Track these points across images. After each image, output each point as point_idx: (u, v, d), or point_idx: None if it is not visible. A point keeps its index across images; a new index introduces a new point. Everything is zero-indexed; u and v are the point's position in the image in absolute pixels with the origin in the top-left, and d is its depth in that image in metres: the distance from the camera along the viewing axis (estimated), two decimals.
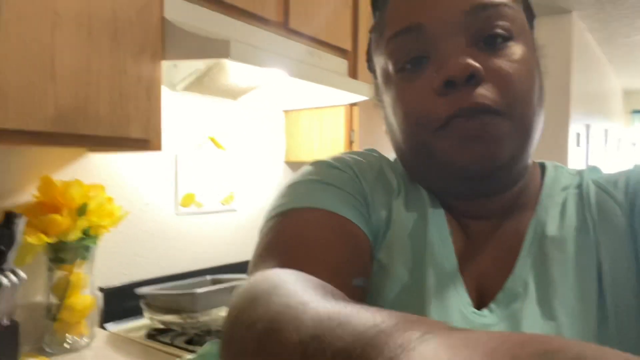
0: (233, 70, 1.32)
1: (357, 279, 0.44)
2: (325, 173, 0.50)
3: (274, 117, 1.89)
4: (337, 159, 0.53)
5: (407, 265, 0.47)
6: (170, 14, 1.13)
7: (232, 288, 1.30)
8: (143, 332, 1.28)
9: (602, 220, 0.46)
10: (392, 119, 0.49)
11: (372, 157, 0.55)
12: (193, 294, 1.21)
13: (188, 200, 1.58)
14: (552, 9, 3.44)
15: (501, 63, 0.43)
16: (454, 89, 0.42)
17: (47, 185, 1.10)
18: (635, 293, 0.42)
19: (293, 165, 1.96)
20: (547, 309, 0.43)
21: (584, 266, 0.44)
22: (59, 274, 1.13)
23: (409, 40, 0.45)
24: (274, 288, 0.31)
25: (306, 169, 0.52)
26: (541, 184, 0.51)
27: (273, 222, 0.47)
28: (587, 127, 4.28)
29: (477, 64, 0.42)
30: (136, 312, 1.33)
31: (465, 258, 0.48)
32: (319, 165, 0.52)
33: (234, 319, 0.31)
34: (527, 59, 0.45)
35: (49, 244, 1.08)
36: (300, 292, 0.29)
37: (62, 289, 1.12)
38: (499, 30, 0.44)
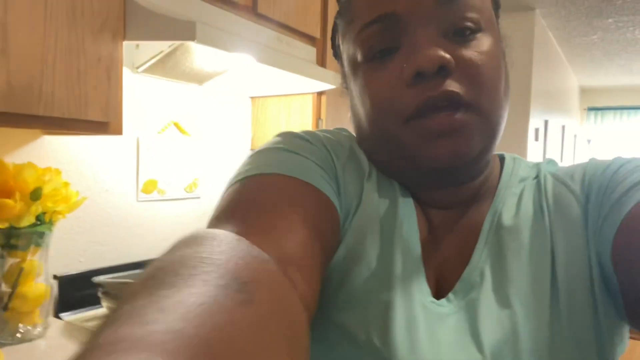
0: (199, 54, 1.28)
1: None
2: (293, 143, 0.48)
3: (241, 104, 1.86)
4: (308, 133, 0.51)
5: (375, 250, 0.46)
6: None
7: None
8: (100, 322, 1.24)
9: (557, 211, 0.47)
10: (359, 108, 0.48)
11: (343, 136, 0.54)
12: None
13: (150, 187, 1.53)
14: (516, 6, 3.52)
15: (471, 54, 0.43)
16: (424, 80, 0.42)
17: None
18: (586, 280, 0.44)
19: None
20: (502, 297, 0.44)
21: (537, 254, 0.45)
22: (11, 261, 1.08)
23: (381, 29, 0.44)
24: (188, 258, 0.27)
25: (273, 139, 0.51)
26: (500, 175, 0.52)
27: (234, 187, 0.44)
28: (546, 122, 4.43)
29: (447, 56, 0.41)
30: (93, 301, 1.29)
31: (427, 248, 0.48)
32: (287, 135, 0.50)
33: (165, 251, 0.29)
34: (495, 51, 0.45)
35: (0, 229, 1.03)
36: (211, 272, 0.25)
37: (14, 277, 1.07)
38: (468, 23, 0.44)
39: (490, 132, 0.45)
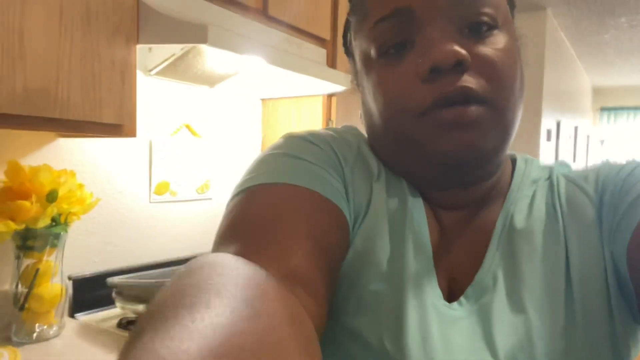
0: (210, 56, 1.30)
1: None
2: (298, 147, 0.47)
3: (251, 105, 1.87)
4: (314, 134, 0.50)
5: (385, 253, 0.46)
6: None
7: None
8: (114, 322, 1.25)
9: (571, 212, 0.46)
10: (372, 105, 0.47)
11: (351, 136, 0.53)
12: (166, 284, 1.19)
13: (162, 188, 1.55)
14: (528, 5, 3.50)
15: (487, 51, 0.42)
16: (440, 75, 0.41)
17: (14, 170, 1.06)
18: (601, 283, 0.43)
19: None
20: (516, 302, 0.43)
21: (551, 257, 0.44)
22: (27, 262, 1.09)
23: (395, 24, 0.44)
24: (205, 279, 0.27)
25: (277, 142, 0.50)
26: (511, 177, 0.51)
27: (238, 198, 0.44)
28: (558, 123, 4.39)
29: (463, 51, 0.41)
30: (107, 302, 1.31)
31: (439, 249, 0.47)
32: (291, 138, 0.49)
33: (168, 284, 0.29)
34: (511, 49, 0.44)
35: (16, 231, 1.05)
36: (216, 294, 0.25)
37: (30, 278, 1.09)
38: (485, 18, 0.43)
39: (504, 129, 0.44)
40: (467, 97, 0.41)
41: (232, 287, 0.26)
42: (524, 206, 0.48)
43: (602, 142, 6.88)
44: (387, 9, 0.44)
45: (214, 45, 1.08)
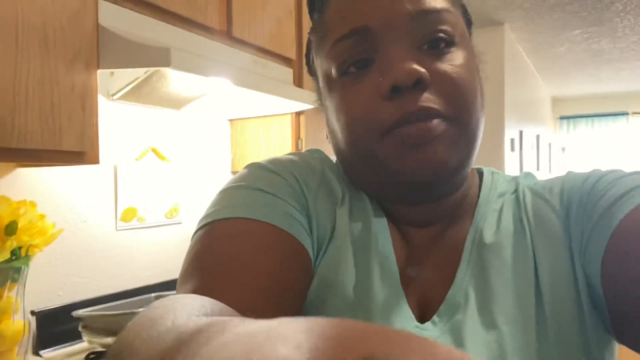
0: (175, 79, 1.28)
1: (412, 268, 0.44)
2: (259, 178, 0.47)
3: (219, 127, 1.85)
4: (276, 163, 0.50)
5: (350, 279, 0.45)
6: (105, 20, 1.08)
7: None
8: (82, 357, 1.20)
9: (537, 226, 0.47)
10: (335, 124, 0.47)
11: (314, 160, 0.53)
12: (135, 314, 1.15)
13: (129, 215, 1.51)
14: (486, 21, 3.62)
15: (446, 68, 0.43)
16: (400, 94, 0.41)
17: None
18: (572, 296, 0.43)
19: None
20: (488, 318, 0.43)
21: (521, 271, 0.45)
22: None
23: (354, 43, 0.44)
24: (159, 317, 0.28)
25: (240, 173, 0.50)
26: (479, 191, 0.51)
27: (199, 234, 0.44)
28: (521, 132, 4.52)
29: (422, 69, 0.41)
30: (74, 336, 1.25)
31: (407, 269, 0.47)
32: (253, 169, 0.49)
33: (115, 345, 0.29)
34: (469, 65, 0.45)
35: None
36: (177, 321, 0.26)
37: None
38: (442, 35, 0.43)
39: (467, 143, 0.44)
40: (429, 115, 0.41)
41: (187, 321, 0.26)
42: (493, 220, 0.48)
43: (563, 149, 7.12)
44: (345, 28, 0.44)
45: (178, 68, 1.06)
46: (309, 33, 0.51)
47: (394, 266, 0.46)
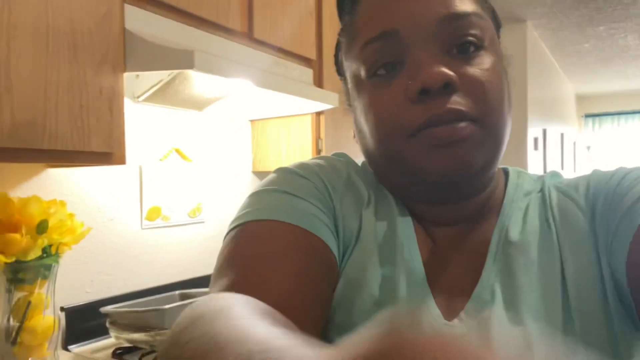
0: (198, 81, 1.31)
1: None
2: (288, 182, 0.49)
3: (241, 127, 1.88)
4: (304, 167, 0.52)
5: (376, 278, 0.47)
6: (131, 24, 1.11)
7: None
8: (109, 352, 1.24)
9: (563, 223, 0.47)
10: (364, 125, 0.48)
11: (340, 164, 0.55)
12: (161, 310, 1.18)
13: (154, 214, 1.54)
14: (508, 19, 3.57)
15: (474, 71, 0.44)
16: (429, 97, 0.42)
17: (3, 202, 1.06)
18: (598, 291, 0.43)
19: (261, 175, 1.95)
20: (514, 314, 0.43)
21: (547, 268, 0.45)
22: (19, 295, 1.08)
23: (383, 45, 0.45)
24: (219, 310, 0.30)
25: (270, 177, 0.52)
26: (505, 190, 0.52)
27: (233, 233, 0.47)
28: (544, 131, 4.45)
29: (451, 73, 0.42)
30: (101, 332, 1.29)
31: (433, 267, 0.48)
32: (283, 173, 0.52)
33: (173, 337, 0.30)
34: (498, 68, 0.46)
35: (7, 264, 1.03)
36: (244, 318, 0.29)
37: (22, 311, 1.07)
38: (471, 39, 0.44)
39: (494, 145, 0.45)
40: (457, 117, 0.43)
41: (258, 315, 0.30)
42: (518, 219, 0.49)
43: (588, 148, 6.97)
44: (374, 30, 0.45)
45: (201, 70, 1.09)
46: (338, 34, 0.53)
47: (419, 265, 0.47)
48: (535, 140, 4.04)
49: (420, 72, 0.42)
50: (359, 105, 0.49)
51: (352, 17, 0.49)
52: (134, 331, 1.19)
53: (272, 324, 0.28)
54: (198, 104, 1.55)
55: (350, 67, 0.50)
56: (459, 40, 0.44)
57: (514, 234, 0.48)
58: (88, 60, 1.02)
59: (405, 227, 0.49)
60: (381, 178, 0.52)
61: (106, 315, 1.23)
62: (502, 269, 0.46)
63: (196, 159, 1.69)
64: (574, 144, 6.43)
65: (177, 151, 1.63)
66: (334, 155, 0.57)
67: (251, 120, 1.91)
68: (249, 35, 1.44)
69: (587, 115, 6.98)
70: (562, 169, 5.46)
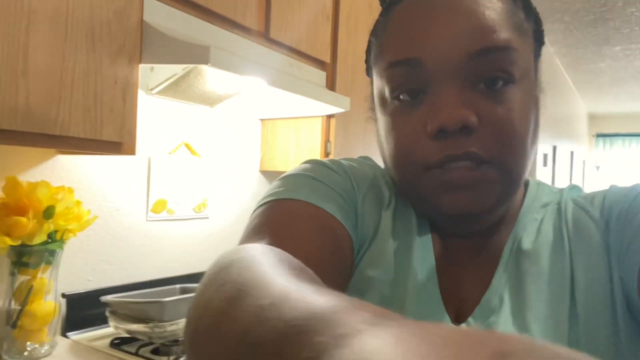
0: (211, 77, 1.31)
1: None
2: (320, 171, 0.51)
3: (251, 126, 1.88)
4: (334, 162, 0.54)
5: (389, 279, 0.48)
6: (149, 16, 1.12)
7: None
8: (107, 341, 1.24)
9: (577, 236, 0.47)
10: (385, 145, 0.49)
11: (367, 166, 0.57)
12: (161, 303, 1.18)
13: (160, 207, 1.55)
14: None
15: (498, 111, 0.42)
16: (447, 135, 0.42)
17: (12, 186, 1.06)
18: (607, 303, 0.44)
19: (268, 174, 1.95)
20: (520, 321, 0.44)
21: (556, 278, 0.46)
22: (21, 278, 1.08)
23: (408, 72, 0.44)
24: (251, 258, 0.32)
25: (302, 165, 0.54)
26: (522, 200, 0.52)
27: (263, 208, 0.48)
28: (554, 148, 4.42)
29: (471, 116, 0.41)
30: (101, 321, 1.29)
31: (445, 273, 0.49)
32: (314, 163, 0.53)
33: (207, 280, 0.31)
34: (526, 104, 0.44)
35: (12, 247, 1.04)
36: (274, 265, 0.30)
37: (23, 295, 1.08)
38: (500, 74, 0.42)
39: (511, 184, 0.44)
40: (472, 160, 0.42)
41: (287, 264, 0.32)
42: (533, 229, 0.49)
43: (597, 167, 6.92)
44: (400, 53, 0.45)
45: (216, 66, 1.09)
46: (370, 34, 0.52)
47: (432, 269, 0.48)
48: (545, 156, 4.02)
49: (440, 110, 0.42)
50: (381, 122, 0.50)
51: (385, 20, 0.48)
52: (133, 322, 1.19)
53: (299, 274, 0.29)
54: (210, 100, 1.56)
55: (376, 80, 0.49)
56: (488, 75, 0.42)
57: (527, 243, 0.48)
58: (105, 50, 1.03)
59: (422, 233, 0.50)
60: (400, 192, 0.53)
61: (106, 304, 1.24)
62: (512, 276, 0.47)
63: (205, 155, 1.70)
64: (584, 162, 6.39)
65: (187, 146, 1.63)
66: (360, 157, 0.60)
67: (261, 120, 1.91)
68: (265, 35, 1.44)
69: (599, 135, 6.93)
70: None
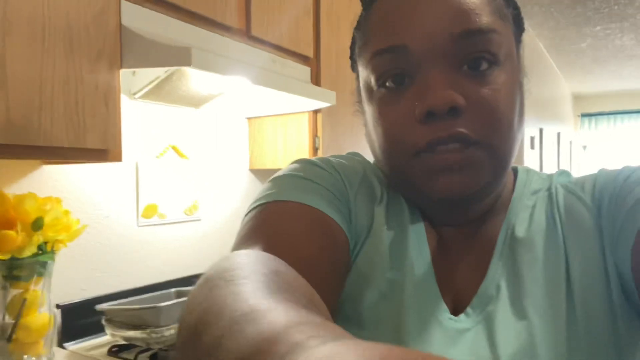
0: (195, 78, 1.30)
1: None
2: (309, 170, 0.51)
3: (237, 125, 1.87)
4: (323, 160, 0.54)
5: (385, 274, 0.48)
6: (128, 20, 1.10)
7: None
8: (104, 350, 1.23)
9: (569, 221, 0.48)
10: (372, 135, 0.49)
11: (356, 162, 0.56)
12: (157, 308, 1.18)
13: (150, 211, 1.54)
14: None
15: (484, 92, 0.43)
16: (435, 119, 0.42)
17: None
18: (603, 288, 0.44)
19: (258, 172, 1.95)
20: (519, 309, 0.44)
21: (552, 265, 0.46)
22: (14, 292, 1.07)
23: (393, 59, 0.45)
24: (224, 271, 0.31)
25: (291, 165, 0.53)
26: (513, 188, 0.53)
27: (254, 212, 0.47)
28: (541, 130, 4.46)
29: (458, 98, 0.42)
30: (97, 329, 1.28)
31: (441, 265, 0.49)
32: (303, 162, 0.53)
33: (187, 301, 0.31)
34: (510, 86, 0.45)
35: (2, 261, 1.03)
36: (253, 280, 0.29)
37: (17, 308, 1.06)
38: (485, 55, 0.43)
39: (498, 166, 0.45)
40: (460, 141, 0.43)
41: (262, 276, 0.31)
42: (526, 216, 0.50)
43: (584, 147, 7.00)
44: (385, 42, 0.45)
45: (198, 67, 1.08)
46: (354, 29, 0.52)
47: (428, 262, 0.49)
48: (532, 139, 4.05)
49: (427, 94, 0.42)
50: (369, 113, 0.50)
51: (367, 14, 0.49)
52: (129, 329, 1.18)
53: (268, 289, 0.28)
54: (195, 102, 1.55)
55: (362, 71, 0.50)
56: (472, 57, 0.43)
57: (520, 231, 0.48)
58: (84, 56, 1.01)
59: (416, 226, 0.51)
60: (390, 183, 0.53)
61: (102, 312, 1.23)
62: (507, 265, 0.47)
63: (193, 157, 1.69)
64: (570, 143, 6.45)
65: (174, 148, 1.62)
66: (349, 154, 0.59)
67: (248, 118, 1.91)
68: (246, 33, 1.43)
69: (584, 115, 7.00)
70: (558, 168, 5.48)
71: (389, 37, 0.45)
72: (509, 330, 0.43)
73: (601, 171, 0.50)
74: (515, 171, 0.55)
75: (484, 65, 0.43)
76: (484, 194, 0.47)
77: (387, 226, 0.50)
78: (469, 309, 0.46)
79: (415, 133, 0.44)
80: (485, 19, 0.43)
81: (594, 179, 0.50)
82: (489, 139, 0.43)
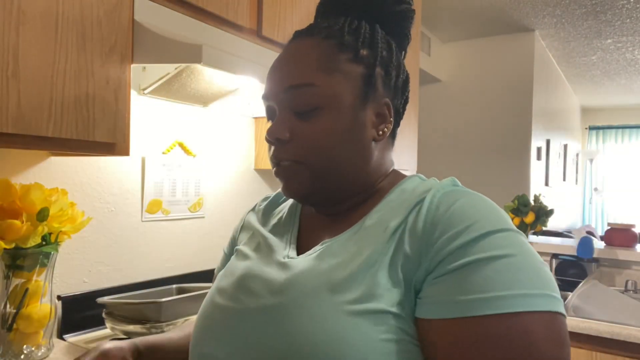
0: (204, 76, 1.31)
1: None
2: (227, 244, 0.83)
3: (244, 124, 1.88)
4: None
5: (244, 241, 0.74)
6: (140, 16, 1.11)
7: (198, 297, 1.27)
8: None
9: (412, 223, 0.55)
10: None
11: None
12: (158, 303, 1.18)
13: (155, 207, 1.54)
14: (516, 28, 3.57)
15: (304, 128, 0.61)
16: (275, 144, 0.63)
17: (5, 188, 1.06)
18: (387, 273, 0.54)
19: (262, 172, 1.95)
20: (320, 258, 0.60)
21: (370, 246, 0.56)
22: (16, 281, 1.08)
23: (266, 100, 0.67)
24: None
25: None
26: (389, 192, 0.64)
27: None
28: (548, 141, 4.44)
29: (282, 133, 0.62)
30: (97, 322, 1.29)
31: (303, 235, 0.68)
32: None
33: None
34: (335, 121, 0.61)
35: (6, 250, 1.03)
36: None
37: (19, 298, 1.07)
38: (305, 108, 0.61)
39: (319, 175, 0.62)
40: (289, 160, 0.62)
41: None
42: (382, 213, 0.60)
43: (591, 160, 6.96)
44: (264, 98, 0.67)
45: (208, 64, 1.09)
46: None
47: (295, 232, 0.69)
48: (539, 150, 4.03)
49: (269, 128, 0.63)
50: None
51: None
52: (129, 323, 1.19)
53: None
54: (203, 100, 1.56)
55: None
56: (294, 103, 0.62)
57: (369, 222, 0.60)
58: (96, 50, 1.02)
59: (292, 212, 0.72)
60: None
61: (103, 305, 1.23)
62: (342, 239, 0.60)
63: (199, 154, 1.69)
64: (577, 155, 6.42)
65: (181, 145, 1.63)
66: None
67: (255, 118, 1.91)
68: (257, 33, 1.44)
69: (591, 128, 6.97)
70: (564, 180, 5.46)
71: (266, 98, 0.66)
72: (309, 261, 0.59)
73: (461, 203, 0.54)
74: (404, 177, 0.66)
75: (305, 108, 0.61)
76: (323, 197, 0.64)
77: (260, 219, 0.75)
78: (300, 256, 0.63)
79: (271, 152, 0.64)
80: (305, 75, 0.61)
81: (451, 207, 0.54)
82: (306, 160, 0.61)
